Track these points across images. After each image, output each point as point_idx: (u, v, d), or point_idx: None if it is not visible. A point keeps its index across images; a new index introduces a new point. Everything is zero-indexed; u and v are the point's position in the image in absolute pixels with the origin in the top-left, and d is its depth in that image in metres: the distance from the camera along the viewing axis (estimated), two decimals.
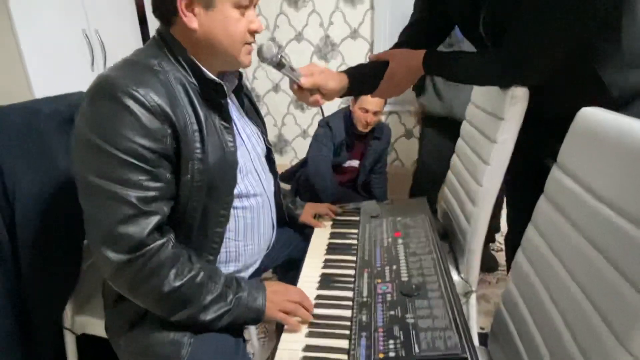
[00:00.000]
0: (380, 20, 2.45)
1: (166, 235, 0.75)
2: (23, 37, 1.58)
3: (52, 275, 1.00)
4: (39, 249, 0.95)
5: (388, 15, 2.43)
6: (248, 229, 0.92)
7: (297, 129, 2.88)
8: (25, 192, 0.92)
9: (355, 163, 2.24)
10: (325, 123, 2.12)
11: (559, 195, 0.69)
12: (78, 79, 1.84)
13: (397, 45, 1.14)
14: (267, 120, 2.83)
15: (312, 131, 2.88)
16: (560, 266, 0.65)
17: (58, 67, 1.73)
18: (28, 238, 0.94)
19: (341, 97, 1.11)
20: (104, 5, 1.99)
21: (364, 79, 1.09)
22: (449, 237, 1.26)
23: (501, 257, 2.08)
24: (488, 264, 2.03)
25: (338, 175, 2.21)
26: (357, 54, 2.59)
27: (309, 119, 2.83)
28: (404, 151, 2.79)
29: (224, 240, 0.88)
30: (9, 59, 1.58)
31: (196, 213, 0.81)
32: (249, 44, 0.85)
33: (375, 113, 2.02)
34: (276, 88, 2.77)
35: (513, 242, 1.00)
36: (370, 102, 1.96)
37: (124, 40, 2.15)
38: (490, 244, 2.13)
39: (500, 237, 2.19)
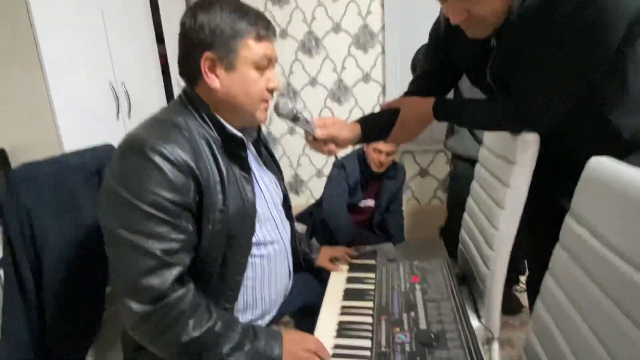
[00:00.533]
0: (392, 64, 2.54)
1: (186, 285, 0.77)
2: (54, 91, 1.68)
3: (75, 322, 1.01)
4: (63, 297, 0.97)
5: (399, 58, 2.51)
6: (265, 277, 0.94)
7: (312, 169, 2.93)
8: (52, 241, 0.96)
9: (370, 203, 2.26)
10: (339, 164, 2.16)
11: (574, 244, 0.69)
12: (104, 129, 1.94)
13: (407, 94, 1.18)
14: (283, 162, 2.91)
15: (327, 171, 2.92)
16: (579, 318, 0.64)
17: (85, 117, 1.82)
18: (53, 286, 0.96)
19: (354, 145, 1.14)
20: (129, 59, 2.11)
21: (376, 127, 1.12)
22: (468, 281, 1.24)
23: (525, 298, 2.01)
24: (511, 307, 1.97)
25: (353, 215, 2.21)
26: (369, 97, 2.67)
27: (324, 159, 2.87)
28: (420, 189, 2.80)
29: (242, 288, 0.89)
30: (41, 112, 1.67)
31: (216, 262, 0.83)
32: (267, 101, 0.90)
33: (389, 153, 2.05)
34: (291, 130, 2.85)
35: (534, 286, 0.98)
36: (382, 143, 2.00)
37: (148, 90, 2.26)
38: (514, 285, 2.07)
39: (524, 278, 2.13)
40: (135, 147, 0.75)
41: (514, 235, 0.99)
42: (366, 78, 2.63)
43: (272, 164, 1.07)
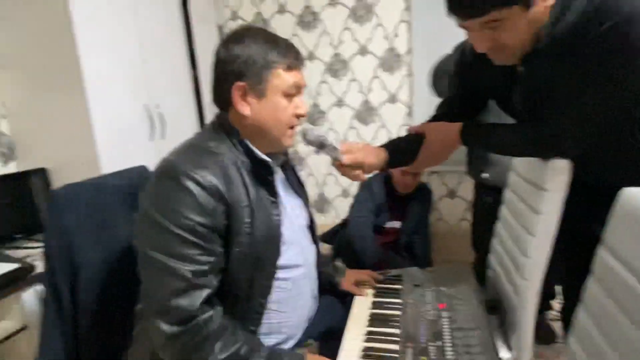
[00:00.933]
0: (419, 86, 2.54)
1: (214, 307, 0.78)
2: (94, 113, 1.77)
3: (107, 339, 1.05)
4: (97, 314, 1.01)
5: (426, 80, 2.51)
6: (290, 300, 0.94)
7: (338, 188, 2.94)
8: (89, 260, 1.00)
9: (396, 224, 2.24)
10: (365, 185, 2.16)
11: (607, 277, 0.67)
12: (138, 149, 2.02)
13: (433, 118, 1.18)
14: (309, 181, 2.94)
15: (353, 191, 2.91)
16: (612, 353, 0.61)
17: (121, 138, 1.91)
18: (88, 303, 1.00)
19: (381, 170, 1.14)
20: (164, 82, 2.21)
21: (402, 152, 1.13)
22: (497, 308, 1.20)
23: (559, 326, 1.92)
24: (545, 336, 1.89)
25: (379, 236, 2.20)
26: (395, 117, 2.67)
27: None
28: (448, 210, 2.75)
29: (266, 311, 0.90)
30: (81, 134, 1.77)
31: (242, 284, 0.85)
32: (294, 126, 0.92)
33: (415, 175, 2.04)
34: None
35: (569, 316, 0.94)
36: None
37: (181, 112, 2.35)
38: (546, 312, 1.99)
39: (556, 303, 2.04)
40: (169, 172, 0.79)
41: (545, 263, 0.96)
42: (392, 99, 2.64)
43: (299, 188, 1.09)
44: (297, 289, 0.96)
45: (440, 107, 1.20)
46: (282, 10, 2.71)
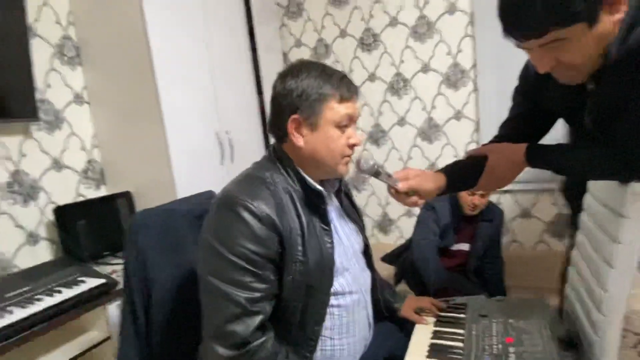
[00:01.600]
0: (485, 101, 2.44)
1: (267, 333, 0.81)
2: (171, 141, 1.94)
3: (176, 354, 1.12)
4: (167, 329, 1.09)
5: (494, 94, 2.41)
6: (343, 328, 0.94)
7: (401, 208, 2.87)
8: (161, 279, 1.09)
9: (464, 247, 2.13)
10: (429, 206, 2.09)
11: None
12: (209, 173, 2.17)
13: (496, 139, 1.13)
14: (372, 200, 2.94)
15: (416, 211, 2.85)
16: None
17: (194, 163, 2.06)
18: (159, 318, 1.08)
19: (440, 194, 1.11)
20: (233, 109, 2.36)
21: (462, 175, 1.09)
22: (573, 345, 1.09)
23: None
24: None
25: (446, 259, 2.11)
26: (461, 134, 2.58)
27: None
28: (523, 232, 2.57)
29: (320, 338, 0.91)
30: (160, 160, 1.94)
31: (296, 311, 0.87)
32: (348, 156, 0.93)
33: (483, 195, 1.94)
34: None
35: None
36: None
37: (249, 137, 2.49)
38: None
39: None
40: (227, 202, 0.84)
41: (626, 298, 0.86)
42: (458, 115, 2.56)
43: (354, 214, 1.09)
44: (351, 316, 0.96)
45: (503, 127, 1.14)
46: (343, 34, 2.78)
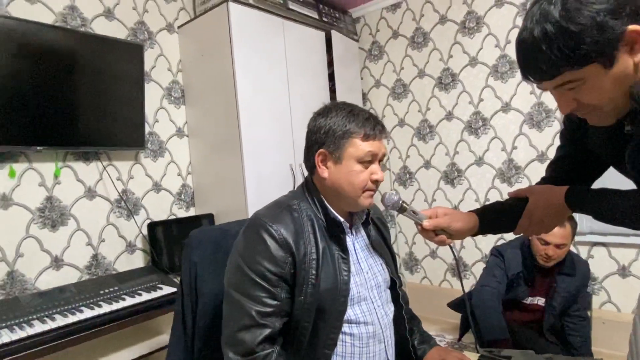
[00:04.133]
0: None
1: (274, 347, 0.88)
2: (247, 171, 2.16)
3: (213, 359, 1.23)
4: (207, 337, 1.21)
5: None
6: (355, 357, 0.96)
7: (426, 248, 2.91)
8: (207, 291, 1.22)
9: (540, 301, 1.93)
10: (498, 252, 1.96)
11: None
12: None
13: (542, 181, 1.07)
14: (400, 238, 2.93)
15: (441, 252, 2.82)
16: None
17: (267, 192, 2.25)
18: (201, 327, 1.21)
19: (474, 235, 1.08)
20: None
21: (498, 217, 1.05)
22: None
23: None
24: None
25: (519, 312, 1.94)
26: None
27: None
28: (620, 293, 2.23)
29: None
30: (236, 188, 2.17)
31: (306, 331, 0.92)
32: (370, 190, 0.99)
33: (559, 246, 1.76)
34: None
35: None
36: (551, 233, 1.74)
37: None
38: None
39: None
40: (253, 224, 0.95)
41: None
42: (542, 158, 2.38)
43: (382, 247, 1.12)
44: (365, 347, 0.97)
45: (550, 168, 1.08)
46: (421, 74, 2.82)
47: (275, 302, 0.89)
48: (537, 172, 2.41)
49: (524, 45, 0.74)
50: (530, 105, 2.40)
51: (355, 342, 0.96)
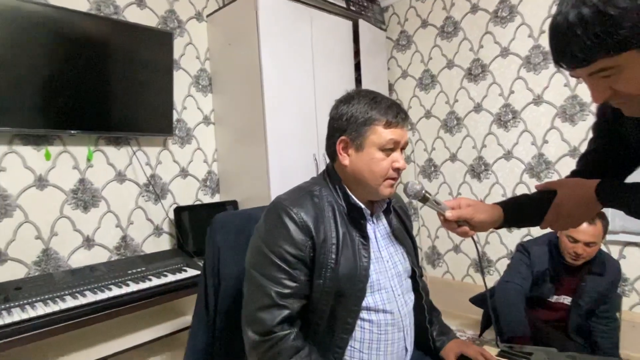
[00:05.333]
0: None
1: (292, 328, 0.89)
2: (271, 160, 2.18)
3: (234, 340, 1.26)
4: (228, 318, 1.24)
5: None
6: (373, 344, 0.96)
7: (449, 243, 2.85)
8: (229, 274, 1.25)
9: (566, 300, 1.88)
10: (523, 248, 1.92)
11: None
12: None
13: (572, 174, 1.04)
14: (422, 232, 2.93)
15: (464, 247, 2.74)
16: None
17: (289, 180, 2.25)
18: (223, 308, 1.24)
19: (498, 228, 1.06)
20: None
21: (525, 209, 1.02)
22: None
23: None
24: None
25: (544, 311, 1.89)
26: None
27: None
28: None
29: (348, 349, 0.95)
30: (260, 175, 2.20)
31: (324, 314, 0.93)
32: (392, 178, 0.98)
33: (588, 244, 1.70)
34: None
35: None
36: (580, 230, 1.68)
37: None
38: None
39: None
40: (275, 208, 0.96)
41: None
42: (574, 153, 2.30)
43: (403, 236, 1.11)
44: (384, 335, 0.97)
45: (580, 161, 1.04)
46: (450, 65, 2.76)
47: (294, 284, 0.90)
48: (568, 167, 2.30)
49: (557, 29, 0.71)
50: (564, 98, 2.31)
51: (373, 329, 0.96)
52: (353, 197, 0.99)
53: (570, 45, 0.69)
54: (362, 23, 2.69)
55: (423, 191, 1.01)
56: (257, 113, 2.18)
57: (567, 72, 2.24)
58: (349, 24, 2.64)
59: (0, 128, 1.64)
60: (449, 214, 0.99)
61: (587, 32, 0.66)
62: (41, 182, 1.84)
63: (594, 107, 2.20)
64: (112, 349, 1.68)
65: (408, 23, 2.97)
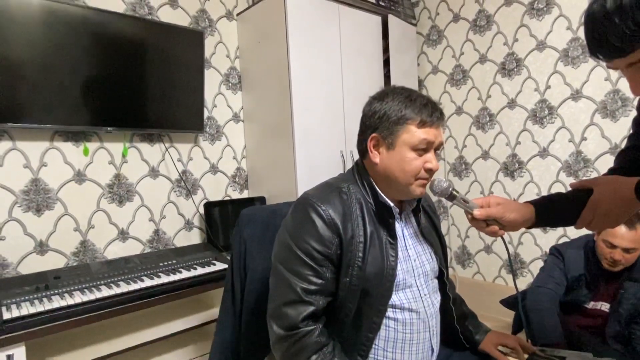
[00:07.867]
0: None
1: (317, 324, 0.89)
2: (298, 156, 2.19)
3: (258, 332, 1.28)
4: (253, 311, 1.26)
5: None
6: (398, 343, 0.95)
7: (480, 243, 2.76)
8: (255, 267, 1.27)
9: (604, 307, 1.79)
10: (558, 252, 1.84)
11: None
12: None
13: (610, 172, 0.99)
14: (452, 231, 2.87)
15: (496, 248, 2.68)
16: None
17: (316, 176, 2.27)
18: (249, 300, 1.26)
19: (529, 227, 1.02)
20: None
21: (558, 208, 0.98)
22: None
23: None
24: None
25: (580, 317, 1.81)
26: None
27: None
28: None
29: (374, 347, 0.94)
30: (287, 172, 2.21)
31: (350, 312, 0.93)
32: (424, 179, 0.96)
33: (628, 250, 1.61)
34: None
35: None
36: (618, 235, 1.59)
37: None
38: None
39: None
40: (302, 203, 0.97)
41: None
42: (615, 150, 2.18)
43: (432, 235, 1.09)
44: (409, 334, 0.96)
45: (619, 158, 0.99)
46: (482, 60, 2.68)
47: (320, 281, 0.90)
48: (609, 165, 2.17)
49: (594, 18, 0.67)
50: (605, 93, 2.20)
51: (398, 328, 0.95)
52: (382, 195, 0.98)
53: (608, 34, 0.66)
54: (391, 18, 2.66)
55: (450, 189, 0.98)
56: (285, 110, 2.19)
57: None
58: (378, 19, 2.61)
59: (43, 125, 1.73)
60: (477, 212, 0.96)
61: (625, 19, 0.62)
62: (80, 177, 1.93)
63: (637, 102, 2.09)
64: (141, 339, 1.74)
65: (439, 17, 2.91)
